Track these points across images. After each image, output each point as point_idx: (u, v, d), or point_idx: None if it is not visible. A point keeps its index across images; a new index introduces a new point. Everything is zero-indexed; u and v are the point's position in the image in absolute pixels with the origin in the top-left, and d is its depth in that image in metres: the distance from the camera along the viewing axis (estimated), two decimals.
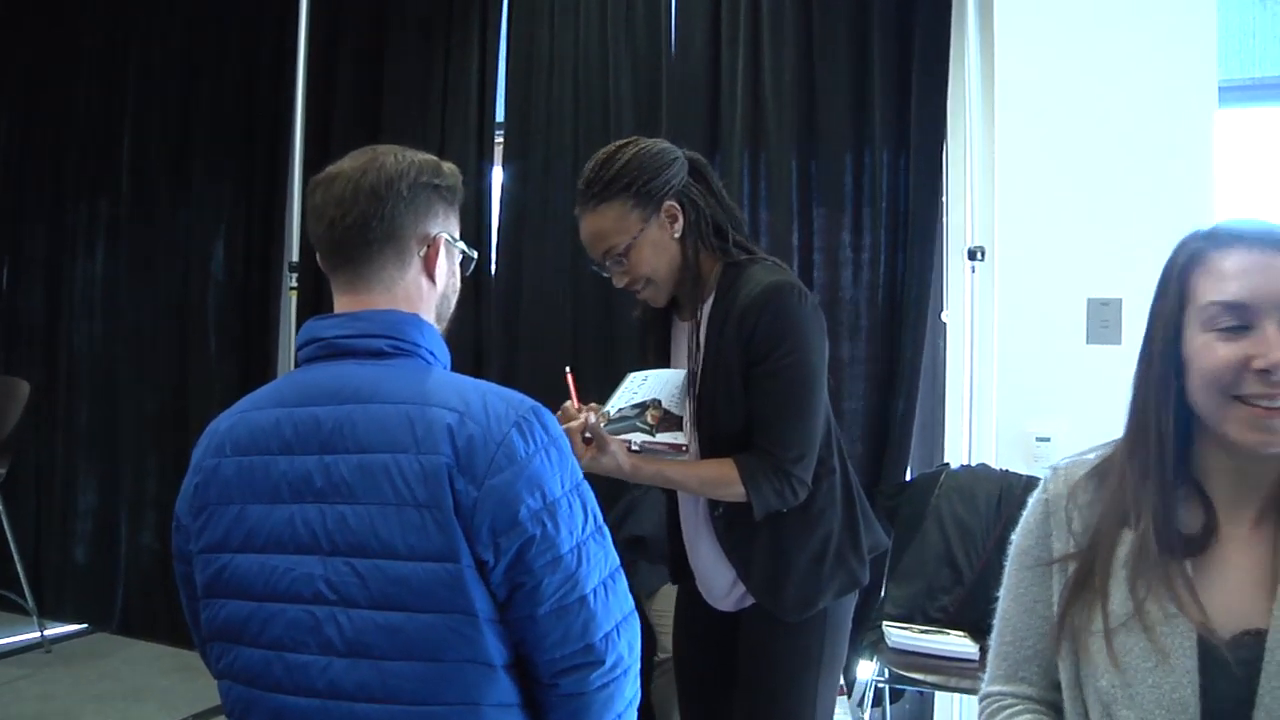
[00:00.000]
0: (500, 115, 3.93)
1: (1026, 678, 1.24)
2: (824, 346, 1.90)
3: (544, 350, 3.72)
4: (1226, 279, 1.12)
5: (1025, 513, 1.27)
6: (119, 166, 4.57)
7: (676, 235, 1.90)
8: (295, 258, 4.12)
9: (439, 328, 1.40)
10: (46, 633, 4.30)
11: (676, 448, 1.85)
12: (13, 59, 4.84)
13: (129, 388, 4.54)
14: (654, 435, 1.84)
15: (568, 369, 1.95)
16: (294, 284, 4.11)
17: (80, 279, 4.69)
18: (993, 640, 1.29)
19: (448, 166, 1.40)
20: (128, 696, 3.77)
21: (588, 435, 1.77)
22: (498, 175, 3.93)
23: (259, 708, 1.26)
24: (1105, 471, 1.23)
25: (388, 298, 1.33)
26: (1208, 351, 1.11)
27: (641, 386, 1.85)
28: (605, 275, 1.93)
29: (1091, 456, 1.26)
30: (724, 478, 1.84)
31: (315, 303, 3.94)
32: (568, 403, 1.86)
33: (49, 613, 4.44)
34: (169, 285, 4.46)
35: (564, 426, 1.72)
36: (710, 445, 1.91)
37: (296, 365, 1.36)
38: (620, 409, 1.82)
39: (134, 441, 4.52)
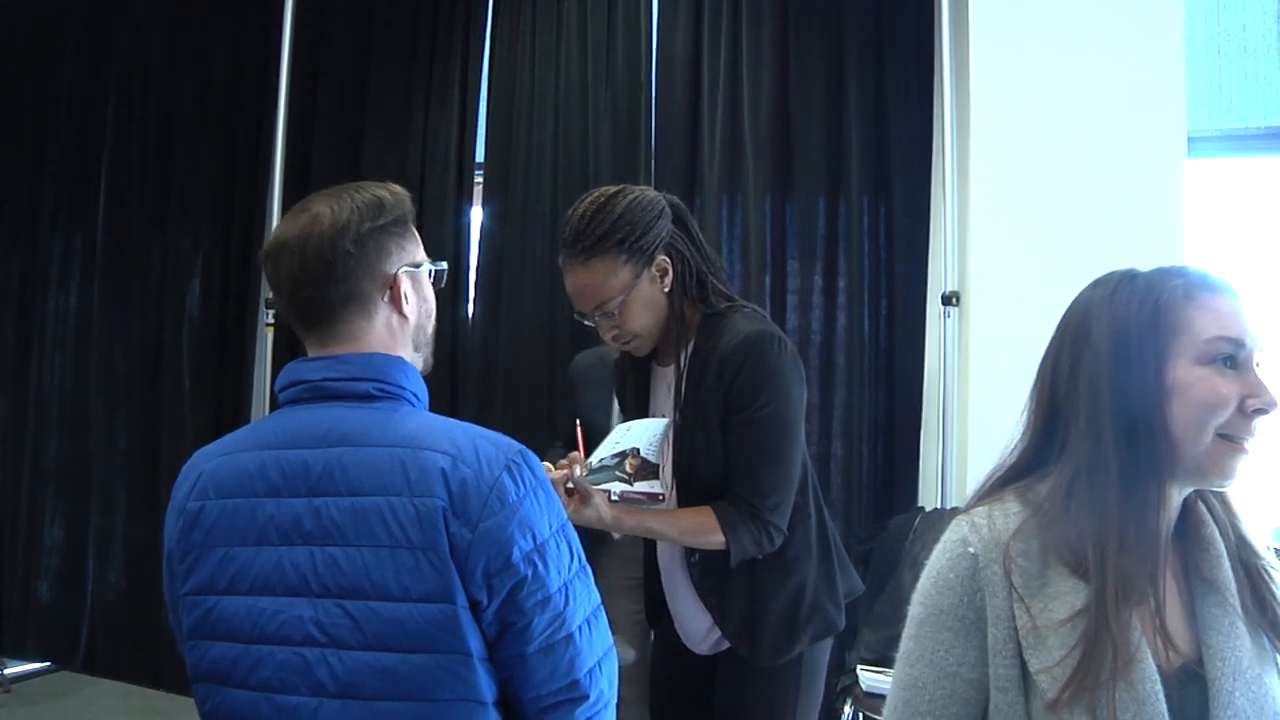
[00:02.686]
0: (480, 155, 3.96)
1: None
2: (802, 395, 1.91)
3: (521, 389, 3.73)
4: (1225, 317, 1.14)
5: (938, 570, 1.14)
6: (95, 201, 4.53)
7: (666, 289, 1.89)
8: (271, 294, 4.09)
9: (419, 356, 1.40)
10: (6, 671, 4.21)
11: (654, 496, 1.86)
12: None
13: (100, 423, 4.48)
14: (632, 484, 1.84)
15: (578, 421, 1.95)
16: (270, 320, 4.10)
17: (53, 313, 4.64)
18: (894, 709, 1.15)
19: (390, 195, 1.37)
20: None
21: (570, 486, 1.77)
22: (477, 214, 3.95)
23: None
24: (1049, 514, 1.12)
25: (360, 347, 1.33)
26: (1206, 384, 1.12)
27: (624, 436, 1.85)
28: (589, 324, 1.93)
29: (1013, 506, 1.15)
30: (703, 527, 1.84)
31: (291, 339, 3.91)
32: (574, 453, 1.85)
33: (9, 650, 4.35)
34: (143, 321, 4.42)
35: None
36: (688, 491, 1.92)
37: (275, 406, 1.35)
38: (602, 459, 1.82)
39: (103, 478, 4.45)
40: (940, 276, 3.29)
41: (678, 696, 2.12)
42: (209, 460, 1.33)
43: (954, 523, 1.16)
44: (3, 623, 4.46)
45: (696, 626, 2.02)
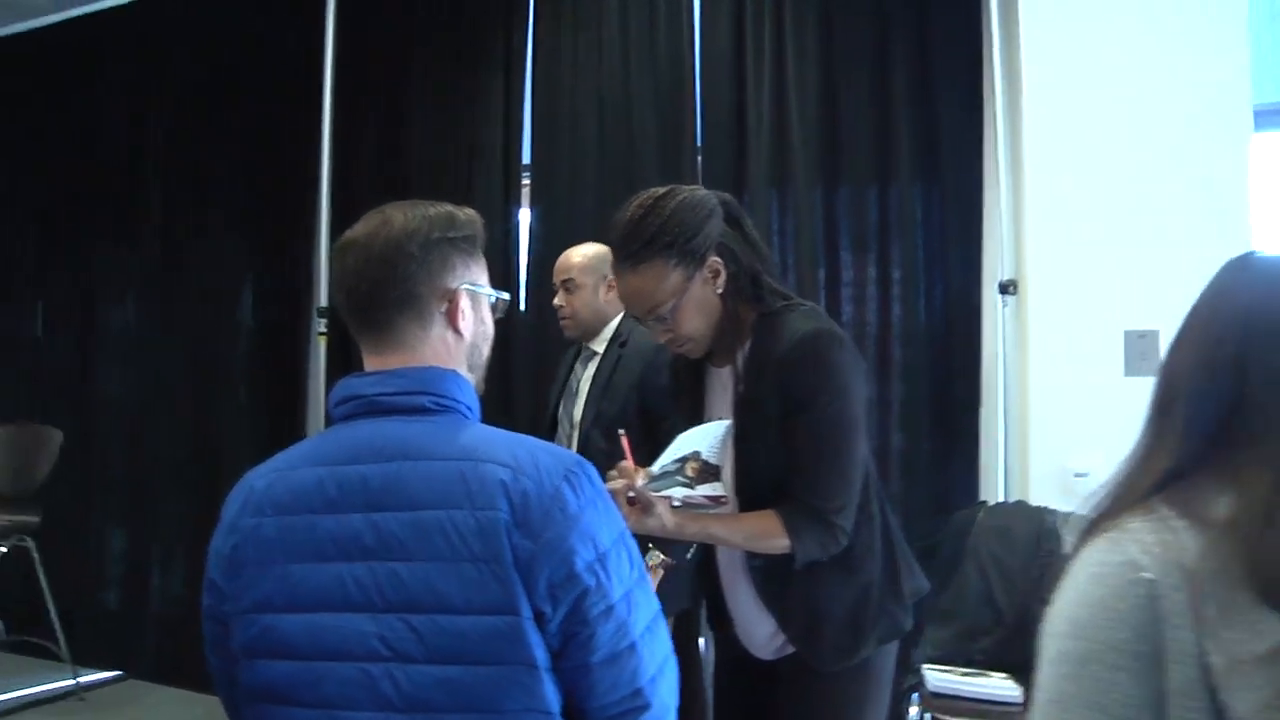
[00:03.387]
0: (526, 157, 3.95)
1: None
2: (863, 393, 1.88)
3: None
4: None
5: (1099, 598, 0.96)
6: (146, 215, 4.62)
7: (719, 291, 1.85)
8: (324, 302, 4.14)
9: (472, 378, 1.39)
10: (80, 679, 4.30)
11: (716, 499, 1.83)
12: (42, 109, 4.91)
13: (159, 435, 4.56)
14: (694, 488, 1.81)
15: (621, 431, 1.92)
16: (323, 329, 4.13)
17: (111, 327, 4.74)
18: None
19: (464, 214, 1.38)
20: None
21: (631, 495, 1.74)
22: (525, 216, 3.94)
23: None
24: (1246, 532, 0.93)
25: (414, 357, 1.32)
26: None
27: (685, 441, 1.82)
28: (643, 326, 1.91)
29: (1179, 522, 0.96)
30: (768, 531, 1.81)
31: (344, 347, 3.95)
32: (623, 462, 1.83)
33: (82, 659, 4.43)
34: (198, 332, 4.49)
35: (609, 486, 1.71)
36: (749, 494, 1.89)
37: (330, 422, 1.35)
38: (663, 466, 1.80)
39: (164, 488, 4.54)
40: (996, 264, 3.23)
41: (742, 702, 2.09)
42: (261, 478, 1.33)
43: (1103, 542, 0.98)
44: (76, 633, 4.55)
45: (760, 631, 1.98)
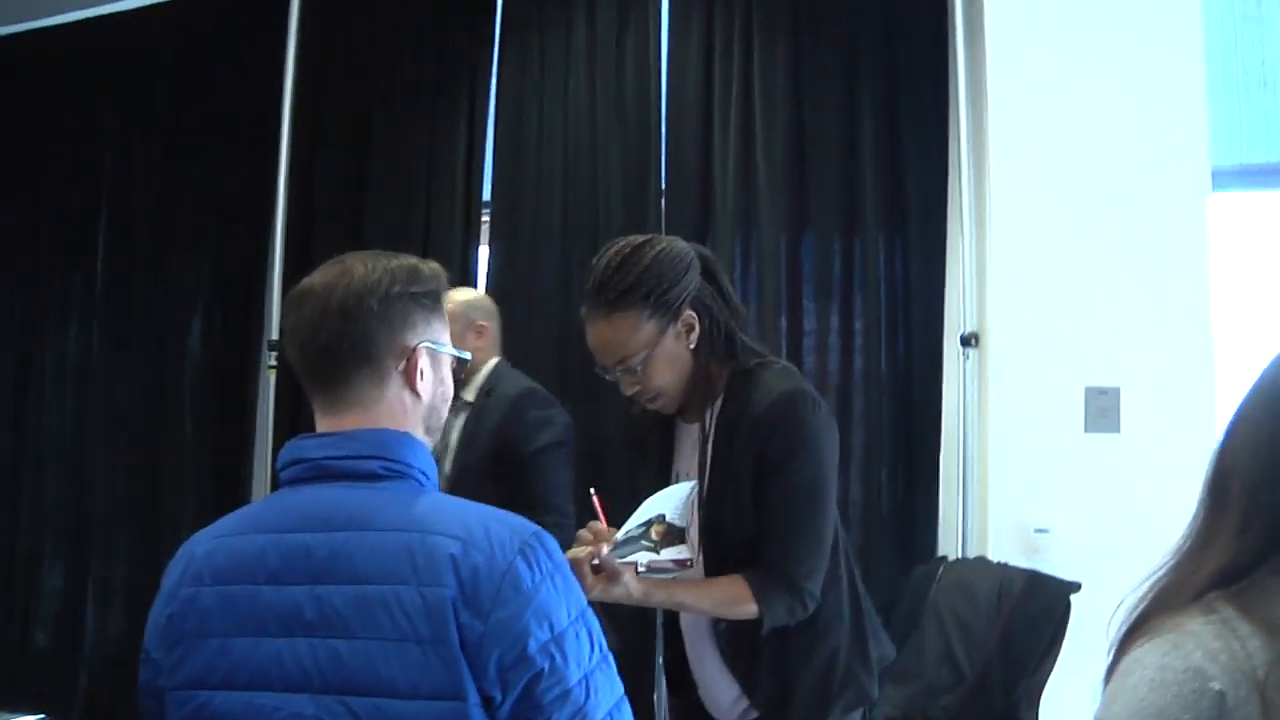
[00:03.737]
0: (487, 194, 3.90)
1: None
2: (836, 457, 1.85)
3: None
4: None
5: (1162, 707, 0.88)
6: (95, 242, 4.49)
7: (691, 346, 1.81)
8: (275, 335, 4.03)
9: (430, 441, 1.32)
10: None
11: (681, 563, 1.77)
12: None
13: (100, 468, 4.40)
14: (659, 552, 1.76)
15: (592, 490, 1.85)
16: (273, 363, 4.02)
17: (52, 356, 4.58)
18: None
19: (428, 269, 1.32)
20: None
21: (596, 564, 1.68)
22: (484, 254, 3.88)
23: None
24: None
25: (368, 418, 1.26)
26: None
27: (651, 504, 1.77)
28: (608, 378, 1.85)
29: (1244, 626, 0.88)
30: (736, 597, 1.76)
31: (295, 382, 3.83)
32: (597, 524, 1.78)
33: (3, 701, 4.25)
34: (144, 364, 4.35)
35: (572, 554, 1.65)
36: (714, 555, 1.84)
37: (276, 486, 1.28)
38: (628, 531, 1.74)
39: (104, 524, 4.37)
40: (958, 317, 3.22)
41: None
42: (202, 544, 1.26)
43: (1163, 644, 0.90)
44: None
45: (723, 695, 1.93)
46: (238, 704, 1.16)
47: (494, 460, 2.75)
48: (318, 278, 1.28)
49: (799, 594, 1.76)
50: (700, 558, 1.84)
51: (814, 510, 1.79)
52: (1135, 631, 0.94)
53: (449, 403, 1.36)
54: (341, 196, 4.07)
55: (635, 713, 3.30)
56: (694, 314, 1.80)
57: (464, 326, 2.83)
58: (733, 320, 1.86)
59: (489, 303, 3.02)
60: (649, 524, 1.75)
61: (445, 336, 1.34)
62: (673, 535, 1.78)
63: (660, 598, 1.76)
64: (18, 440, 4.58)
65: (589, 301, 1.79)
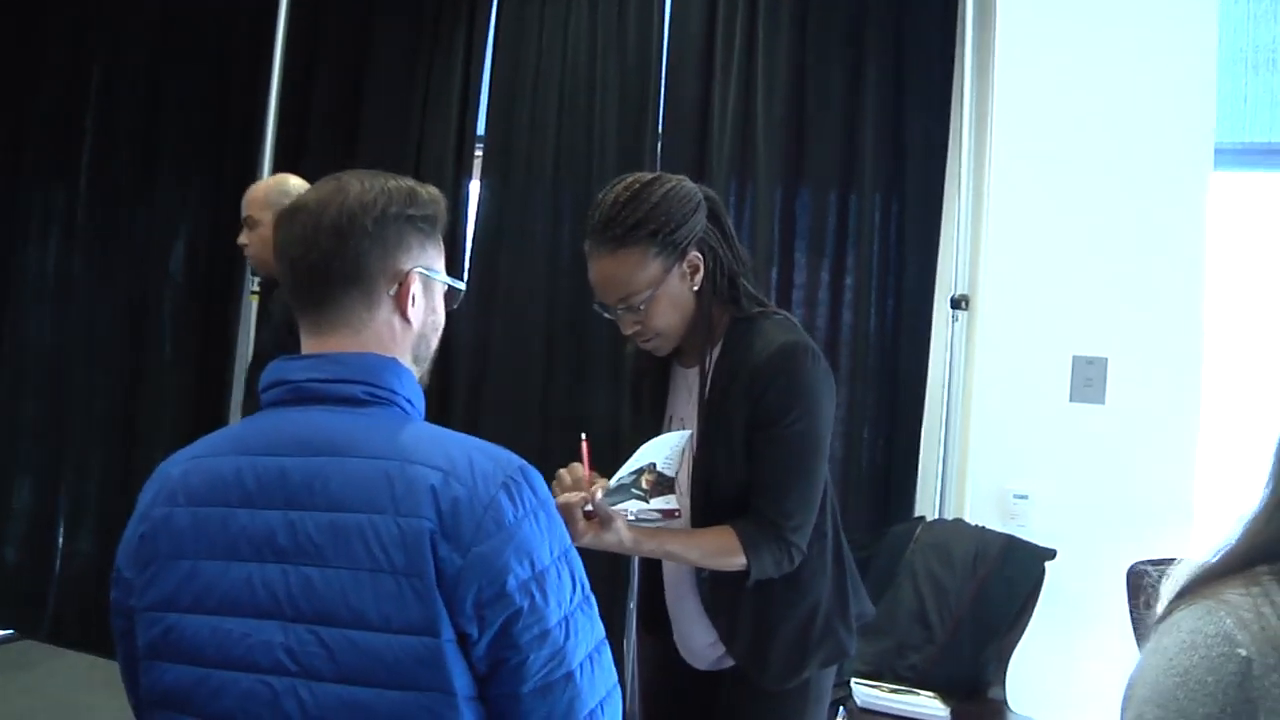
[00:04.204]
0: (481, 128, 3.83)
1: None
2: (832, 411, 1.83)
3: (515, 372, 3.63)
4: None
5: (1187, 669, 0.88)
6: (79, 157, 4.39)
7: (695, 288, 1.78)
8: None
9: (417, 370, 1.29)
10: None
11: (669, 514, 1.76)
12: None
13: (77, 385, 4.35)
14: (648, 501, 1.74)
15: (583, 436, 1.82)
16: (255, 288, 3.96)
17: (32, 267, 4.49)
18: None
19: (426, 193, 1.27)
20: (52, 711, 3.59)
21: (589, 509, 1.66)
22: (475, 189, 3.82)
23: None
24: None
25: (355, 340, 1.22)
26: None
27: (644, 452, 1.75)
28: (608, 316, 1.82)
29: (1276, 594, 0.88)
30: (725, 548, 1.75)
31: None
32: (575, 465, 1.75)
33: None
34: (125, 283, 4.28)
35: (564, 498, 1.63)
36: (704, 505, 1.82)
37: (260, 408, 1.24)
38: (620, 478, 1.72)
39: (78, 442, 4.32)
40: (950, 279, 3.19)
41: (673, 708, 2.04)
42: (178, 465, 1.22)
43: (1199, 609, 0.90)
44: None
45: (700, 641, 1.93)
46: (205, 628, 1.14)
47: (275, 348, 2.71)
48: (312, 194, 1.24)
49: (787, 547, 1.75)
50: (689, 504, 1.83)
51: (807, 464, 1.77)
52: (1180, 597, 0.94)
53: (439, 333, 1.32)
54: (332, 123, 4.00)
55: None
56: (699, 255, 1.77)
57: (275, 215, 2.77)
58: (736, 265, 1.83)
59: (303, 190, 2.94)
60: (640, 472, 1.73)
61: (440, 264, 1.30)
62: (662, 485, 1.76)
63: (650, 546, 1.74)
64: None
65: (593, 236, 1.74)
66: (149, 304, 4.26)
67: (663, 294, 1.74)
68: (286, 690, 1.10)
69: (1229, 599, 0.89)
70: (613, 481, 1.72)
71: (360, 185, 1.22)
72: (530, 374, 3.59)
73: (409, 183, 1.26)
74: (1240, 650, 0.85)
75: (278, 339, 2.70)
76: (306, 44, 4.03)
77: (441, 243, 1.31)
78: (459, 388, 3.72)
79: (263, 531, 1.13)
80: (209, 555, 1.15)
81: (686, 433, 1.81)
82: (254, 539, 1.13)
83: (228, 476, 1.17)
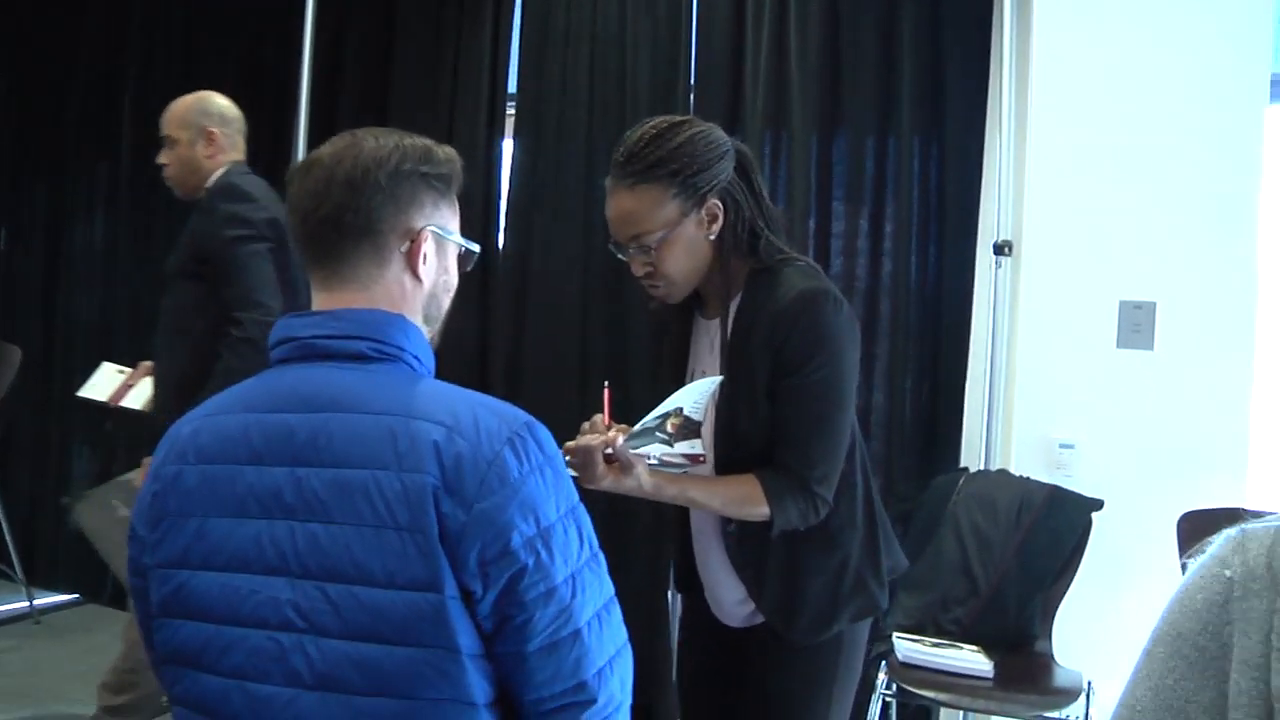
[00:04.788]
0: (513, 86, 3.80)
1: None
2: (856, 359, 1.79)
3: (552, 329, 3.63)
4: None
5: (1188, 584, 0.94)
6: (119, 133, 4.45)
7: (712, 236, 1.75)
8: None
9: (429, 331, 1.28)
10: (36, 603, 4.22)
11: (694, 459, 1.73)
12: (13, 23, 4.71)
13: (126, 356, 4.42)
14: (672, 445, 1.72)
15: (606, 385, 1.80)
16: None
17: (80, 246, 4.60)
18: None
19: (443, 151, 1.27)
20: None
21: (609, 452, 1.64)
22: (508, 147, 3.80)
23: None
24: None
25: (365, 297, 1.21)
26: None
27: (674, 398, 1.72)
28: (621, 257, 1.79)
29: None
30: (748, 497, 1.72)
31: None
32: (597, 416, 1.74)
33: (40, 583, 4.36)
34: (166, 252, 4.33)
35: (584, 442, 1.62)
36: (727, 454, 1.80)
37: (269, 366, 1.24)
38: (644, 422, 1.70)
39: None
40: (992, 224, 3.10)
41: (708, 667, 2.02)
42: (189, 423, 1.23)
43: (1224, 534, 0.93)
44: (34, 555, 4.48)
45: (730, 598, 1.91)
46: (214, 585, 1.14)
47: (193, 260, 2.70)
48: (326, 148, 1.23)
49: (812, 498, 1.73)
50: (712, 455, 1.81)
51: (831, 412, 1.74)
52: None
53: (451, 294, 1.31)
54: (364, 86, 4.01)
55: (650, 611, 3.32)
56: (720, 204, 1.74)
57: (194, 134, 2.76)
58: (760, 220, 1.79)
59: (222, 107, 2.89)
60: (665, 416, 1.70)
61: (455, 225, 1.29)
62: (688, 429, 1.73)
63: (671, 492, 1.72)
64: (48, 329, 4.63)
65: (614, 171, 1.73)
66: None
67: (677, 237, 1.72)
68: (294, 646, 1.10)
69: (1249, 528, 0.91)
70: (637, 425, 1.69)
71: (375, 141, 1.22)
72: (568, 324, 3.59)
73: (425, 141, 1.25)
74: (1227, 572, 0.89)
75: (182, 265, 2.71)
76: (337, 8, 4.03)
77: (456, 204, 1.30)
78: (497, 346, 3.73)
79: (270, 489, 1.13)
80: (218, 513, 1.15)
81: (717, 379, 1.77)
82: (261, 496, 1.13)
83: (235, 434, 1.17)
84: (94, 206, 4.58)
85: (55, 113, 4.62)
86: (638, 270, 1.78)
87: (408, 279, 1.23)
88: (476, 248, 1.33)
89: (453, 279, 1.30)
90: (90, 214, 4.59)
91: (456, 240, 1.29)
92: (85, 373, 4.48)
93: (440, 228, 1.25)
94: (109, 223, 4.56)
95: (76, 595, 4.46)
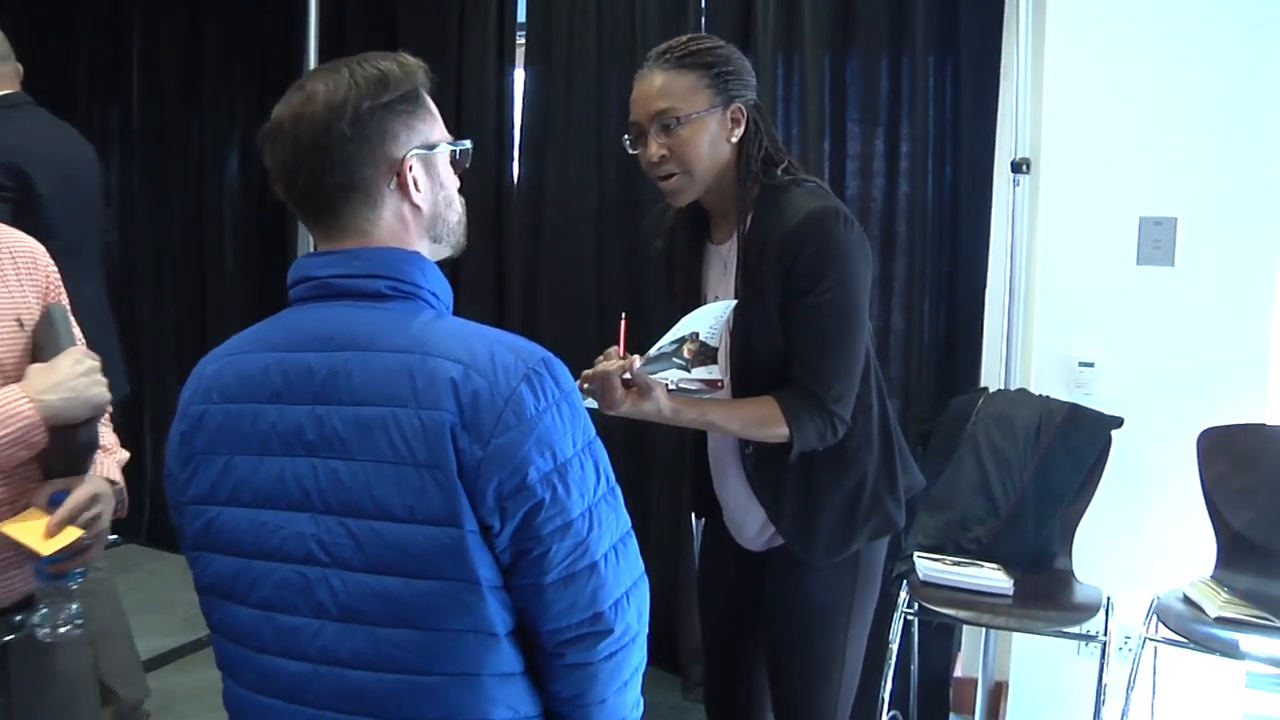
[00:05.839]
0: (521, 15, 3.75)
1: None
2: (868, 277, 1.79)
3: (568, 254, 3.63)
4: None
5: None
6: (129, 75, 4.43)
7: (733, 140, 1.77)
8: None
9: (440, 248, 1.27)
10: None
11: (712, 384, 1.75)
12: None
13: (148, 298, 4.49)
14: (690, 371, 1.73)
15: (623, 315, 1.80)
16: None
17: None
18: None
19: (398, 69, 1.21)
20: (153, 609, 3.79)
21: (627, 377, 1.66)
22: (519, 77, 3.77)
23: (248, 668, 1.20)
24: None
25: (369, 240, 1.21)
26: None
27: (687, 322, 1.72)
28: (632, 151, 1.80)
29: None
30: (766, 418, 1.74)
31: None
32: (612, 347, 1.74)
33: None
34: (185, 195, 4.37)
35: (602, 368, 1.63)
36: (744, 377, 1.81)
37: (288, 304, 1.24)
38: (660, 347, 1.70)
39: (155, 354, 4.48)
40: (1010, 142, 3.05)
41: (728, 590, 2.07)
42: (212, 363, 1.25)
43: None
44: None
45: (749, 521, 1.94)
46: (242, 520, 1.17)
47: None
48: (283, 109, 1.19)
49: (830, 417, 1.74)
50: (729, 380, 1.82)
51: (844, 331, 1.75)
52: None
53: (456, 203, 1.29)
54: (372, 19, 3.97)
55: (672, 538, 3.34)
56: (743, 112, 1.78)
57: None
58: (775, 151, 1.82)
59: None
60: (681, 341, 1.71)
61: (435, 132, 1.25)
62: (705, 354, 1.74)
63: (690, 415, 1.74)
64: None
65: (649, 60, 1.78)
66: (208, 215, 4.34)
67: (701, 124, 1.74)
68: (318, 579, 1.13)
69: None
70: (653, 350, 1.70)
71: (325, 87, 1.17)
72: (583, 254, 3.59)
73: (376, 66, 1.20)
74: None
75: None
76: None
77: (431, 110, 1.25)
78: (513, 276, 3.74)
79: (292, 427, 1.15)
80: (243, 451, 1.18)
81: (731, 302, 1.79)
82: (284, 434, 1.15)
83: (257, 374, 1.18)
84: (108, 149, 4.57)
85: (64, 54, 4.59)
86: (652, 154, 1.76)
87: (407, 209, 1.22)
88: (468, 144, 1.30)
89: (451, 190, 1.28)
90: (105, 157, 4.58)
91: (442, 149, 1.26)
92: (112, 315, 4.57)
93: (420, 147, 1.22)
94: (124, 167, 4.56)
95: (115, 536, 4.55)
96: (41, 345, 1.58)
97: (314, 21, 3.91)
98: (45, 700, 1.64)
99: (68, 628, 1.55)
